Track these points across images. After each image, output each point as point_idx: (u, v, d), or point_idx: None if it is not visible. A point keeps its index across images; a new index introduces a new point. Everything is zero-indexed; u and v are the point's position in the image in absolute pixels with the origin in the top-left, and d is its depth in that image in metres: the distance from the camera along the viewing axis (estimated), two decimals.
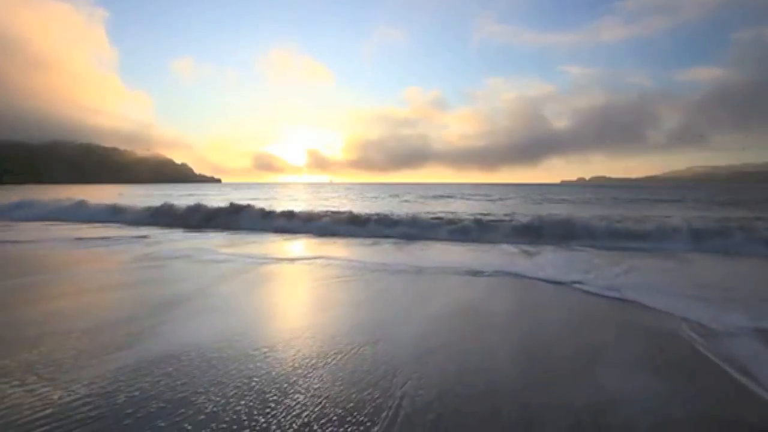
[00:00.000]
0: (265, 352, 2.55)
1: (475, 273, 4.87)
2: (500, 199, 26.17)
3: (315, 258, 6.01)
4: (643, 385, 2.11)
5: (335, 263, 5.59)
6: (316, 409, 1.91)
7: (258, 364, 2.38)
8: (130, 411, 1.90)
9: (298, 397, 2.02)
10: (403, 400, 1.98)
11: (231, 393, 2.06)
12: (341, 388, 2.11)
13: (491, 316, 3.26)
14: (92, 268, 5.26)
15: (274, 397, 2.02)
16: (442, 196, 28.92)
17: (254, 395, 2.04)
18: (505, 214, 12.60)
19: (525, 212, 13.90)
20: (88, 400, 1.98)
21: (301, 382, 2.17)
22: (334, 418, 1.84)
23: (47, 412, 1.87)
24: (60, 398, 1.99)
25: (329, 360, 2.44)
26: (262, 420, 1.84)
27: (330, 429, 1.77)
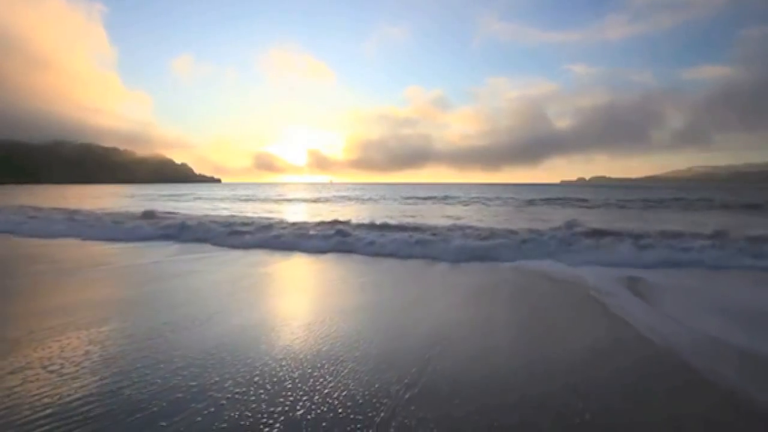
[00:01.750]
0: (307, 330, 2.68)
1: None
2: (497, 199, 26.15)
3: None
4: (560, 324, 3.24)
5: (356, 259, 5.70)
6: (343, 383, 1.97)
7: (299, 342, 2.43)
8: (137, 408, 1.85)
9: (332, 369, 2.11)
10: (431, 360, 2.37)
11: (256, 378, 2.06)
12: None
13: (494, 289, 4.15)
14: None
15: (314, 371, 2.10)
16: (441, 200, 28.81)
17: (288, 370, 2.08)
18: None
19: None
20: (90, 398, 1.94)
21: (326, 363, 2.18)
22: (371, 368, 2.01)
23: (47, 411, 1.83)
24: (60, 397, 1.95)
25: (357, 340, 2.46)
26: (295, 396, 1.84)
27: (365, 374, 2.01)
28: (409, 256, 5.81)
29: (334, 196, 28.48)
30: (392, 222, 9.06)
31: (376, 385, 2.10)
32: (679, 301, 3.67)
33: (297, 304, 3.84)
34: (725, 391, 2.09)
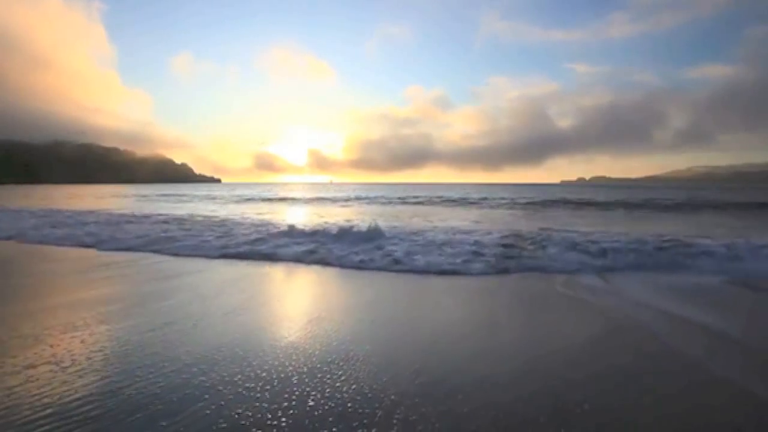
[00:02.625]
0: (300, 348, 2.56)
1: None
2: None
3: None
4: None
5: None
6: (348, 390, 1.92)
7: (294, 359, 2.38)
8: (136, 410, 1.82)
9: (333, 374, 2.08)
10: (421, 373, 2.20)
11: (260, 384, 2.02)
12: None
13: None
14: None
15: (311, 385, 2.04)
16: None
17: (288, 385, 2.03)
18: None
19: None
20: (91, 398, 1.90)
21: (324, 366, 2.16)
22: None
23: (48, 411, 1.79)
24: (61, 397, 1.91)
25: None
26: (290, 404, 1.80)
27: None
28: (410, 260, 5.63)
29: (334, 197, 28.41)
30: (396, 225, 9.02)
31: (384, 379, 2.11)
32: (657, 293, 3.89)
33: (302, 303, 3.81)
34: (718, 381, 2.15)
